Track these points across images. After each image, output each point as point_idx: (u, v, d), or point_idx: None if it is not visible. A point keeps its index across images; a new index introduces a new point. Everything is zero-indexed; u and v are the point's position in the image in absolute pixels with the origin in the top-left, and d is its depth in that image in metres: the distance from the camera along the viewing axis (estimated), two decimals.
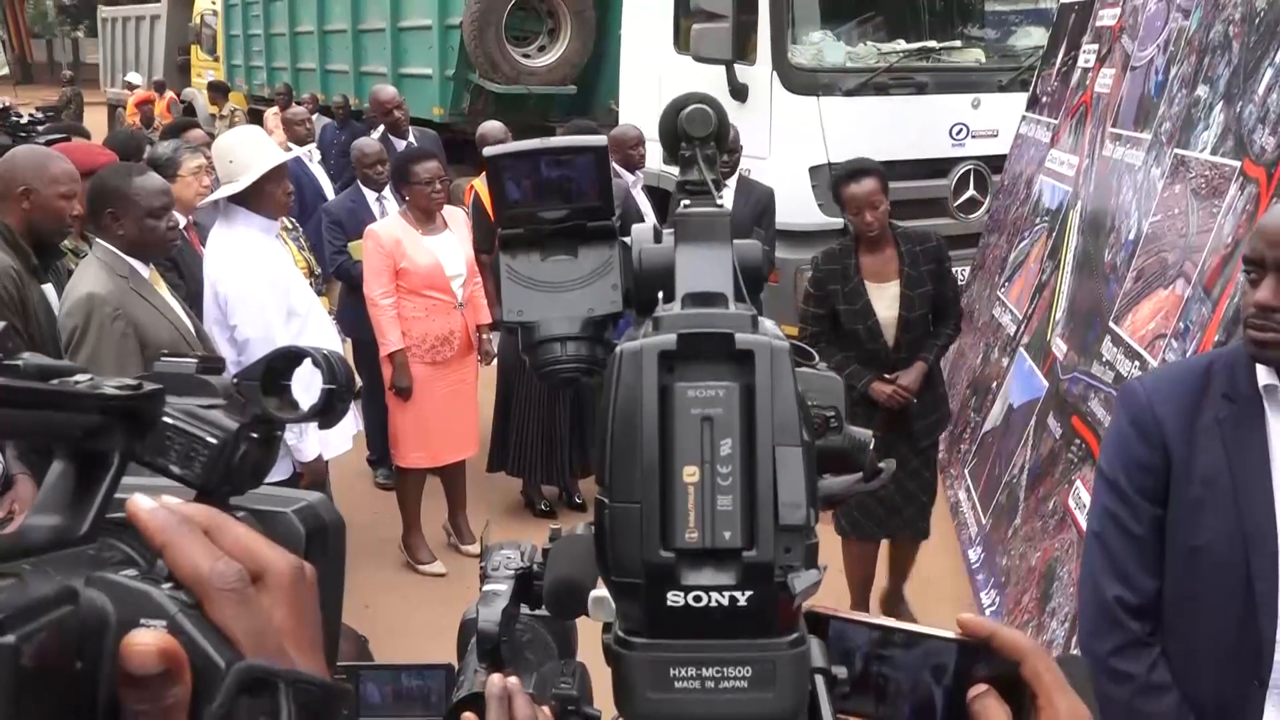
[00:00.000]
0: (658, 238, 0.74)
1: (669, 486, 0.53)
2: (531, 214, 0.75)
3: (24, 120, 5.54)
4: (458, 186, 7.38)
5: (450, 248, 5.03)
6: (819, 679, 0.69)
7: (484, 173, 5.16)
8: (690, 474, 0.53)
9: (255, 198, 3.85)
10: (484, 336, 5.24)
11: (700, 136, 0.76)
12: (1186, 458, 1.87)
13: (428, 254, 4.94)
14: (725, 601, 0.53)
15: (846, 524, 4.26)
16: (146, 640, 0.42)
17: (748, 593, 0.53)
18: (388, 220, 5.19)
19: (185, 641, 0.44)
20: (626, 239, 0.76)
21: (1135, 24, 4.76)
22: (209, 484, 0.57)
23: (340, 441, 4.17)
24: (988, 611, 4.39)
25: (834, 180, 4.18)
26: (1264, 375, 1.87)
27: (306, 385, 0.65)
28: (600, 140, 0.76)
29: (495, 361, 5.52)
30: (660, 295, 0.69)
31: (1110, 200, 4.42)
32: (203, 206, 4.26)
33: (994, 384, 5.35)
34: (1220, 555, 1.86)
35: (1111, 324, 3.90)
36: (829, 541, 4.23)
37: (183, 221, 4.00)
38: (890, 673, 0.77)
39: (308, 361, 0.64)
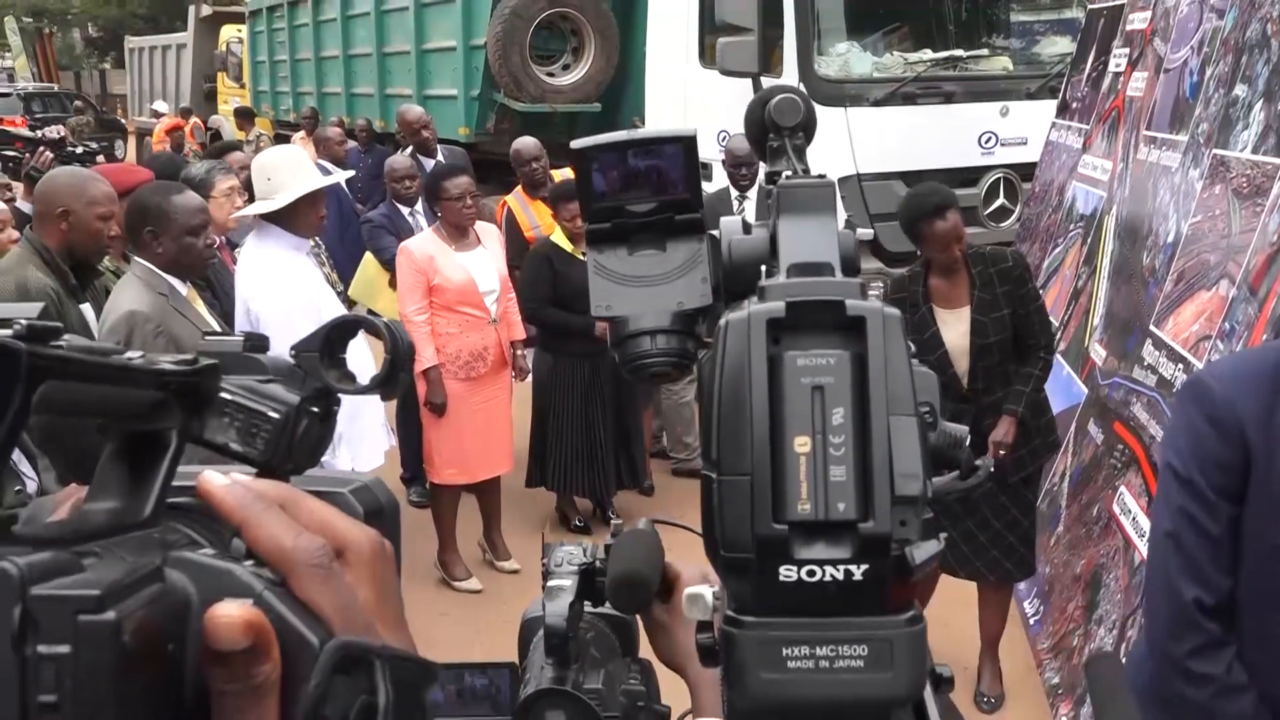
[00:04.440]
0: (747, 229, 0.72)
1: (780, 458, 0.51)
2: (619, 207, 0.73)
3: (79, 151, 5.67)
4: (485, 205, 7.42)
5: (483, 263, 5.04)
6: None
7: (516, 189, 5.18)
8: (802, 444, 0.51)
9: (289, 218, 3.87)
10: (518, 352, 5.23)
11: (790, 126, 0.75)
12: (1265, 454, 1.83)
13: (461, 270, 4.94)
14: (840, 576, 0.51)
15: None
16: (231, 612, 0.39)
17: (863, 566, 0.51)
18: (421, 237, 5.20)
19: (275, 619, 0.41)
20: (715, 232, 0.74)
21: (1167, 26, 4.73)
22: (273, 461, 0.55)
23: (372, 456, 4.16)
24: (1031, 620, 4.33)
25: (912, 216, 3.80)
26: None
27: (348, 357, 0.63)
28: (689, 131, 0.74)
29: (529, 378, 5.52)
30: (763, 269, 0.67)
31: (1147, 204, 4.37)
32: (236, 218, 4.29)
33: None
34: None
35: (1152, 327, 3.86)
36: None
37: (216, 241, 4.02)
38: None
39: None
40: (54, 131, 5.55)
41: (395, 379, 0.60)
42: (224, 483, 0.46)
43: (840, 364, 0.52)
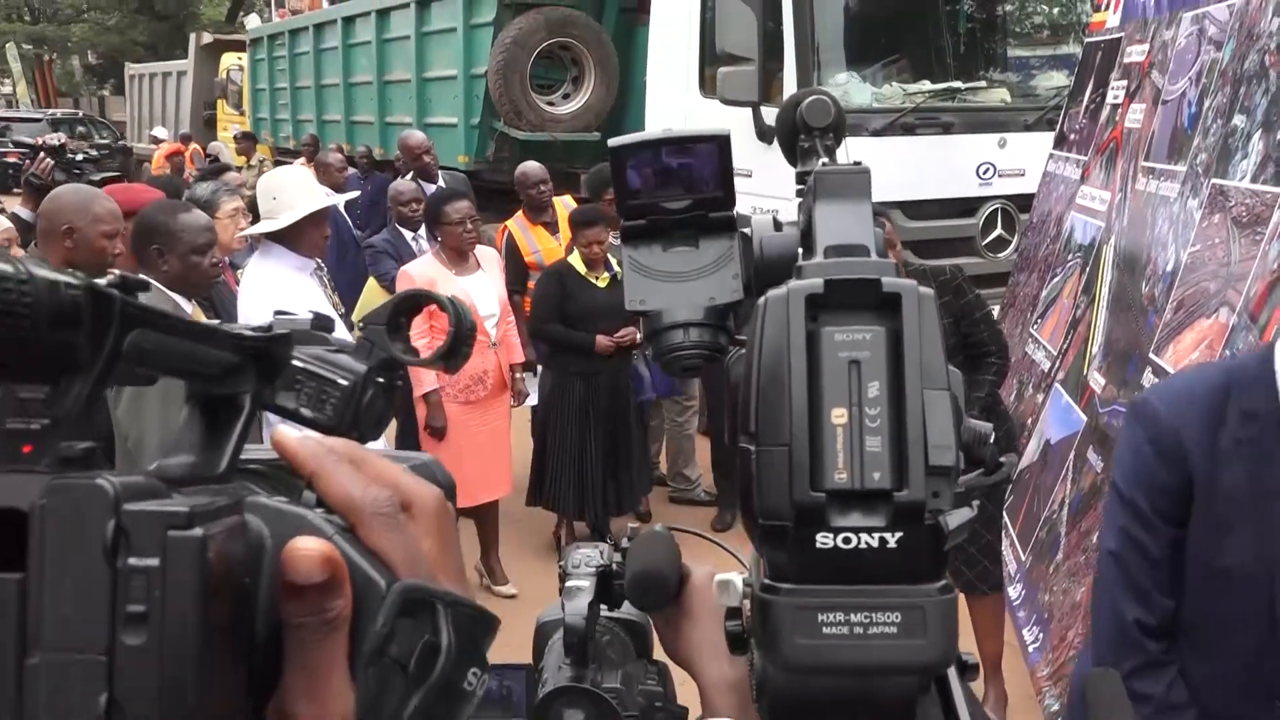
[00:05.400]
0: (778, 227, 0.75)
1: (817, 429, 0.52)
2: (653, 204, 0.75)
3: (79, 158, 5.72)
4: (484, 232, 7.46)
5: (483, 287, 5.06)
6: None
7: (517, 214, 5.24)
8: (838, 416, 0.52)
9: (293, 237, 3.90)
10: (517, 376, 5.26)
11: (820, 127, 0.77)
12: (1209, 478, 1.84)
13: (461, 294, 4.95)
14: (875, 543, 0.52)
15: None
16: (311, 546, 0.41)
17: (898, 534, 0.52)
18: (421, 261, 5.24)
19: (345, 560, 0.43)
20: (746, 230, 0.76)
21: (1165, 59, 4.78)
22: (340, 427, 0.57)
23: None
24: (1030, 648, 4.33)
25: None
26: None
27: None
28: (723, 130, 0.76)
29: (529, 401, 5.55)
30: (799, 253, 0.69)
31: (1145, 233, 4.40)
32: (240, 238, 4.31)
33: (1029, 421, 5.31)
34: (1243, 577, 1.84)
35: (1152, 355, 3.87)
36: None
37: (222, 260, 4.04)
38: None
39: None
40: (54, 139, 5.61)
41: (458, 352, 0.62)
42: (298, 435, 0.48)
43: (876, 339, 0.54)
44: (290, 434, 0.48)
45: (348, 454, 0.49)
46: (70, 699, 0.35)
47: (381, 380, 0.60)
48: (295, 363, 0.56)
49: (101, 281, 0.39)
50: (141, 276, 0.41)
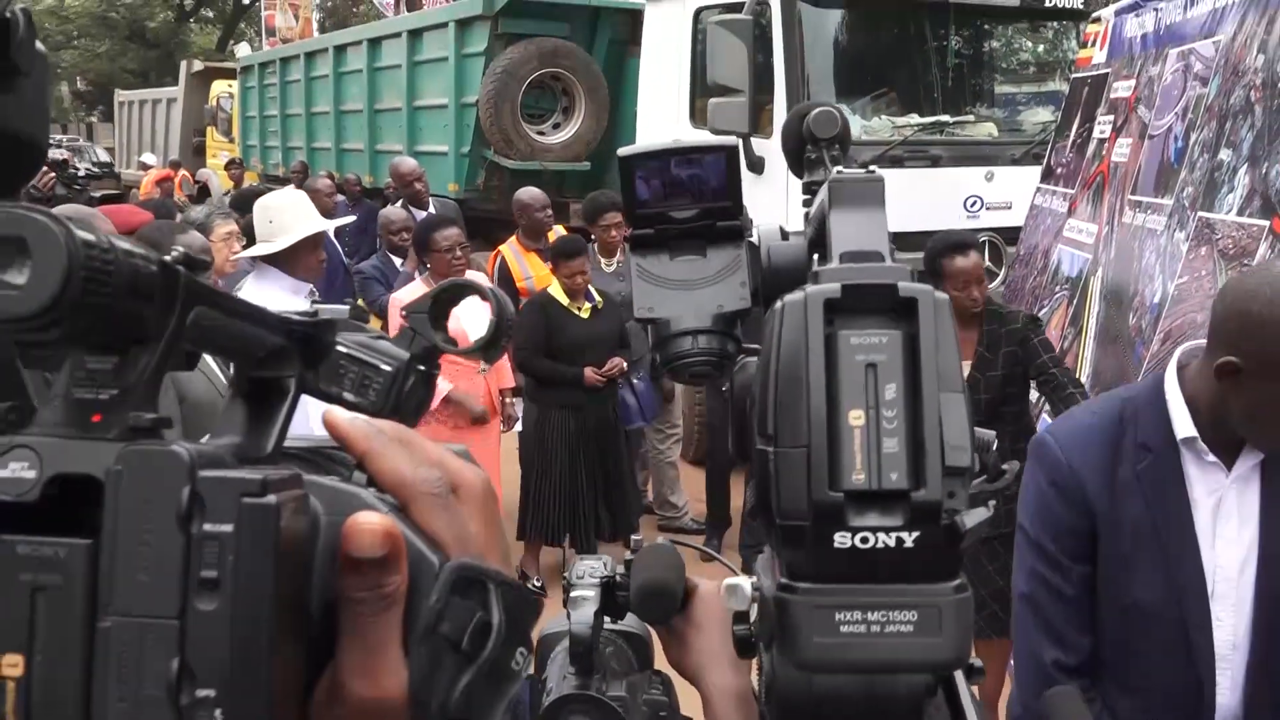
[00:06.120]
0: (784, 236, 0.76)
1: (835, 431, 0.53)
2: (662, 214, 0.76)
3: (80, 174, 5.76)
4: (474, 260, 7.47)
5: (473, 313, 5.07)
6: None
7: (511, 239, 5.23)
8: (856, 417, 0.53)
9: (289, 260, 3.91)
10: (507, 401, 5.25)
11: (827, 138, 0.79)
12: (1111, 513, 1.85)
13: (450, 319, 4.97)
14: (892, 543, 0.53)
15: None
16: (373, 520, 0.41)
17: (915, 534, 0.53)
18: (410, 288, 5.25)
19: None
20: (753, 238, 0.78)
21: (1151, 94, 4.84)
22: (383, 412, 0.58)
23: None
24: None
25: (932, 252, 3.95)
26: (1183, 427, 1.86)
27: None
28: (731, 140, 0.78)
29: (518, 426, 5.54)
30: (814, 259, 0.70)
31: (1132, 265, 4.45)
32: (236, 259, 4.33)
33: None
34: (1154, 610, 1.86)
35: None
36: None
37: (216, 283, 4.05)
38: None
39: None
40: (58, 154, 5.68)
41: (498, 343, 0.63)
42: (349, 416, 0.48)
43: (892, 343, 0.55)
44: (342, 414, 0.49)
45: (397, 435, 0.49)
46: (141, 662, 0.35)
47: (422, 368, 0.61)
48: (339, 348, 0.57)
49: (168, 257, 0.39)
50: (202, 256, 0.42)
